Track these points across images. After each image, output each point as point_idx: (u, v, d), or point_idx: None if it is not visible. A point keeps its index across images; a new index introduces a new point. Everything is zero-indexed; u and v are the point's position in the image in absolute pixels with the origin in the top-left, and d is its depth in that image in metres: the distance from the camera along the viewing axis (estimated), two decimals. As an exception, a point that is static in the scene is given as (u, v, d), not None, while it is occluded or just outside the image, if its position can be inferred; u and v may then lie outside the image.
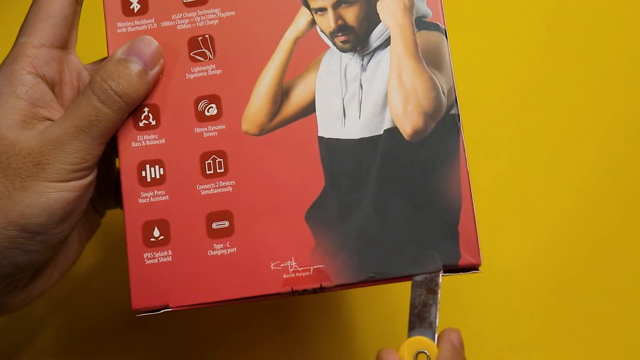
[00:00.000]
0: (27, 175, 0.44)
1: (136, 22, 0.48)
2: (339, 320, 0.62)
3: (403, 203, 0.45)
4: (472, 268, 0.45)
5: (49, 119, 0.46)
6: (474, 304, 0.62)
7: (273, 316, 0.62)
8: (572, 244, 0.63)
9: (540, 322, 0.62)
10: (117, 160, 0.53)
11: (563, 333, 0.62)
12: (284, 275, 0.46)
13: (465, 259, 0.45)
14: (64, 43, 0.48)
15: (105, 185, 0.52)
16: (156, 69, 0.47)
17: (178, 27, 0.48)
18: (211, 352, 0.62)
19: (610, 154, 0.65)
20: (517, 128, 0.65)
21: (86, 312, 0.63)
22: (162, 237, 0.46)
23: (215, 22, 0.48)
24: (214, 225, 0.46)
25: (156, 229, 0.46)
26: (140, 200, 0.47)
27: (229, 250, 0.46)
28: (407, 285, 0.61)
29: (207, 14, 0.48)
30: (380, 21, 0.47)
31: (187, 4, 0.48)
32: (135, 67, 0.46)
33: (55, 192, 0.44)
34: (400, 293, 0.62)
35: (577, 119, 0.65)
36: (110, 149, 0.51)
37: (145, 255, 0.46)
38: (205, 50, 0.48)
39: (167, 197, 0.47)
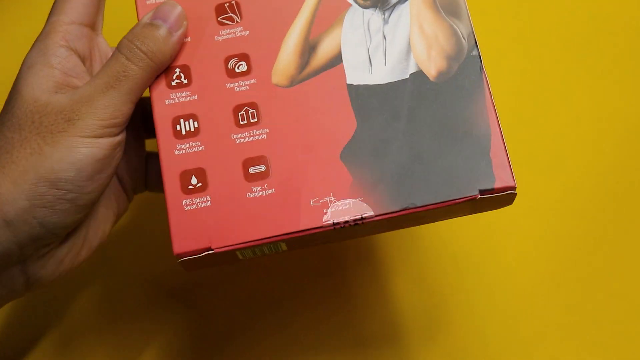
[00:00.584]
0: (58, 131, 0.45)
1: None
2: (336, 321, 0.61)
3: (434, 137, 0.47)
4: (508, 190, 0.46)
5: None
6: (474, 303, 0.62)
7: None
8: (572, 244, 0.63)
9: (540, 322, 0.61)
10: (145, 141, 0.54)
11: (563, 333, 0.61)
12: (324, 210, 0.46)
13: (500, 181, 0.46)
14: (92, 24, 0.50)
15: (136, 166, 0.53)
16: (180, 31, 0.49)
17: None
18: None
19: (610, 153, 0.66)
20: (517, 128, 0.66)
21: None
22: (199, 184, 0.47)
23: None
24: (250, 170, 0.47)
25: (193, 177, 0.47)
26: (176, 152, 0.47)
27: (267, 192, 0.46)
28: (412, 286, 0.61)
29: None
30: None
31: None
32: (160, 29, 0.48)
33: (84, 147, 0.45)
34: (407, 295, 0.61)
35: (577, 118, 0.67)
36: (141, 129, 0.52)
37: (184, 202, 0.46)
38: (232, 15, 0.50)
39: (202, 148, 0.47)
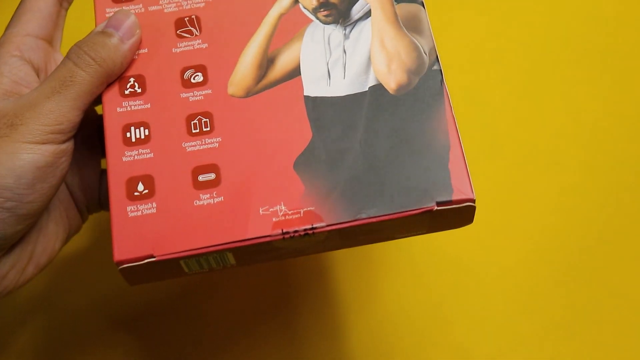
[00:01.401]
0: (0, 136, 0.43)
1: (124, 8, 0.50)
2: (334, 323, 0.61)
3: (392, 147, 0.45)
4: (466, 202, 0.44)
5: None
6: (474, 303, 0.61)
7: (270, 321, 0.60)
8: (572, 244, 0.63)
9: (540, 322, 0.61)
10: (103, 160, 0.53)
11: (563, 333, 0.60)
12: (274, 219, 0.44)
13: (459, 193, 0.44)
14: (50, 38, 0.50)
15: (91, 183, 0.51)
16: (132, 39, 0.48)
17: (165, 10, 0.50)
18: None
19: (610, 153, 0.66)
20: (517, 128, 0.66)
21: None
22: (146, 190, 0.45)
23: (202, 4, 0.50)
24: (200, 178, 0.45)
25: (140, 183, 0.45)
26: (124, 159, 0.46)
27: (216, 200, 0.45)
28: (411, 286, 0.60)
29: None
30: None
31: None
32: (112, 37, 0.47)
33: (26, 153, 0.43)
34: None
35: (577, 118, 0.66)
36: (97, 147, 0.51)
37: (128, 208, 0.45)
38: (191, 28, 0.49)
39: (151, 155, 0.46)
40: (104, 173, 0.52)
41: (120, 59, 0.47)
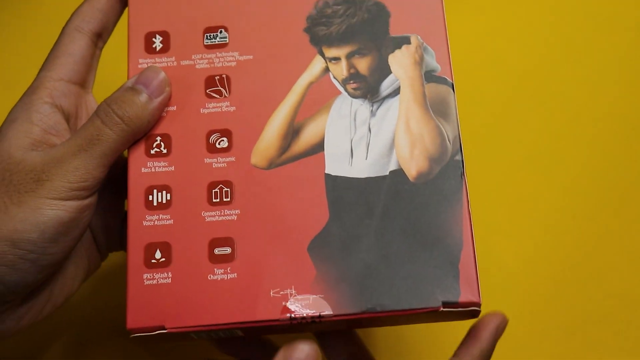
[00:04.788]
0: (26, 190, 0.44)
1: (157, 60, 0.50)
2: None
3: (405, 239, 0.46)
4: (472, 306, 0.45)
5: None
6: None
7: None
8: (572, 244, 0.63)
9: (540, 322, 0.61)
10: (125, 202, 0.54)
11: (563, 333, 0.61)
12: (283, 303, 0.45)
13: (465, 297, 0.45)
14: (82, 82, 0.50)
15: (113, 225, 0.52)
16: (161, 98, 0.48)
17: (197, 66, 0.50)
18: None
19: (610, 153, 0.66)
20: (517, 128, 0.66)
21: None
22: (163, 259, 0.46)
23: (233, 64, 0.50)
24: (215, 251, 0.46)
25: (158, 251, 0.46)
26: (144, 223, 0.47)
27: (229, 276, 0.46)
28: None
29: (226, 56, 0.50)
30: (391, 72, 0.49)
31: (208, 47, 0.50)
32: (141, 94, 0.47)
33: (50, 209, 0.44)
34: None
35: (577, 118, 0.67)
36: (122, 190, 0.52)
37: (145, 275, 0.46)
38: (221, 89, 0.49)
39: (171, 222, 0.47)
40: (124, 215, 0.53)
41: (147, 117, 0.48)
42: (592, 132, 0.67)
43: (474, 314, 0.46)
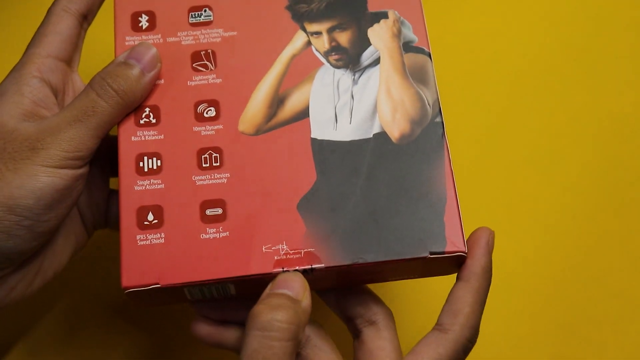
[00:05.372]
0: (22, 158, 0.45)
1: (144, 37, 0.52)
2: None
3: (391, 194, 0.48)
4: (458, 253, 0.46)
5: None
6: None
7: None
8: (572, 244, 0.64)
9: (540, 322, 0.61)
10: (111, 180, 0.55)
11: (563, 333, 0.61)
12: (275, 257, 0.46)
13: (452, 245, 0.46)
14: (69, 60, 0.51)
15: (99, 202, 0.53)
16: (153, 72, 0.50)
17: (182, 43, 0.52)
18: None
19: (610, 153, 0.66)
20: (517, 128, 0.67)
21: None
22: (155, 220, 0.47)
23: (218, 39, 0.52)
24: (207, 212, 0.47)
25: (150, 213, 0.47)
26: (136, 187, 0.48)
27: (221, 234, 0.47)
28: (410, 287, 0.60)
29: (211, 33, 0.52)
30: (371, 44, 0.51)
31: (193, 24, 0.52)
32: (134, 68, 0.49)
33: (46, 176, 0.45)
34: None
35: (577, 118, 0.67)
36: (107, 167, 0.53)
37: (138, 237, 0.47)
38: (207, 62, 0.51)
39: (162, 186, 0.48)
40: (112, 193, 0.54)
41: (140, 91, 0.49)
42: (592, 132, 0.67)
43: (460, 260, 0.47)
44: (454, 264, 0.47)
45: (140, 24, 0.52)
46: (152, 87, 0.50)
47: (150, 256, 0.46)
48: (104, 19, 0.56)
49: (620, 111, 0.68)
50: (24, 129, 0.46)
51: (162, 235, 0.47)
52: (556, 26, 0.72)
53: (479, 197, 0.64)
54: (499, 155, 0.67)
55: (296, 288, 0.45)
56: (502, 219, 0.64)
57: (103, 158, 0.53)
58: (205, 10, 0.52)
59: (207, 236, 0.47)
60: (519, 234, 0.64)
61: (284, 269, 0.46)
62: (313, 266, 0.46)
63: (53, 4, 0.52)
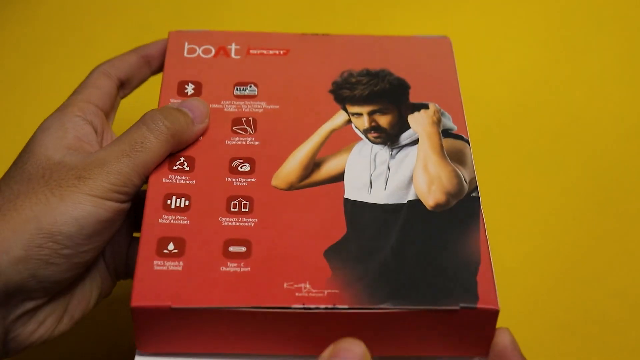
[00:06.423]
0: (68, 185, 0.45)
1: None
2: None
3: (422, 252, 0.46)
4: (490, 310, 0.44)
5: None
6: None
7: None
8: (572, 244, 0.63)
9: (540, 322, 0.60)
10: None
11: (563, 333, 0.60)
12: (297, 294, 0.44)
13: (484, 302, 0.44)
14: (107, 112, 0.53)
15: (120, 251, 0.51)
16: (202, 125, 0.50)
17: (225, 109, 0.52)
18: None
19: (610, 154, 0.66)
20: (518, 129, 0.67)
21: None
22: (176, 250, 0.45)
23: (260, 110, 0.52)
24: (230, 249, 0.46)
25: (171, 243, 0.46)
26: (160, 220, 0.47)
27: (242, 269, 0.45)
28: None
29: (254, 104, 0.53)
30: (410, 128, 0.52)
31: (237, 96, 0.53)
32: (186, 115, 0.50)
33: (90, 205, 0.45)
34: None
35: (577, 119, 0.67)
36: (133, 219, 0.52)
37: (155, 262, 0.45)
38: (247, 127, 0.52)
39: (187, 222, 0.47)
40: (133, 241, 0.52)
41: (187, 137, 0.49)
42: (592, 132, 0.68)
43: (492, 318, 0.44)
44: (486, 322, 0.44)
45: (185, 91, 0.53)
46: (196, 140, 0.50)
47: (165, 280, 0.44)
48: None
49: (621, 111, 0.69)
50: (69, 161, 0.46)
51: (181, 263, 0.45)
52: (556, 26, 0.73)
53: (481, 197, 0.63)
54: (498, 155, 0.67)
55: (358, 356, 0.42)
56: (502, 219, 0.63)
57: (131, 208, 0.52)
58: (250, 86, 0.54)
59: (227, 269, 0.45)
60: (519, 234, 0.64)
61: (305, 305, 0.43)
62: (335, 304, 0.43)
63: (95, 68, 0.54)
